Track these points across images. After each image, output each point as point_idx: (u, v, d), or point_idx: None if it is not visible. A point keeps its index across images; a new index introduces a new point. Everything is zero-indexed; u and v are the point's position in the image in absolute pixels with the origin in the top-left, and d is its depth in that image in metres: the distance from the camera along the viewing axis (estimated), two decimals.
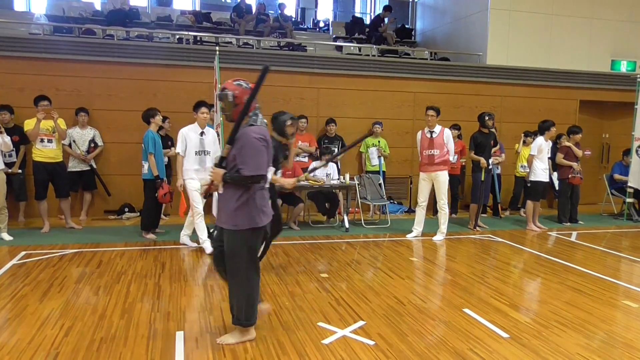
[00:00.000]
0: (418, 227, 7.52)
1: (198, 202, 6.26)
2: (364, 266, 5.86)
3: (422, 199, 7.43)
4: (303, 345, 3.66)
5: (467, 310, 4.44)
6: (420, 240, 7.31)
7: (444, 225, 7.33)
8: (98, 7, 11.40)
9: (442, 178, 7.20)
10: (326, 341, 3.73)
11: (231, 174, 3.42)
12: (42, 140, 7.09)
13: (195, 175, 6.26)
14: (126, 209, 8.40)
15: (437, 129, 7.32)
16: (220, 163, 3.51)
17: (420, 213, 7.48)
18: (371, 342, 3.73)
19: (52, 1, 11.47)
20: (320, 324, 4.06)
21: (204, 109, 6.30)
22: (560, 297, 4.89)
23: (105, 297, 4.56)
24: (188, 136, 6.26)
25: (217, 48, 7.51)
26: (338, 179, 7.85)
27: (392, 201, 9.80)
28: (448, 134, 7.33)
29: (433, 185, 7.32)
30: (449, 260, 6.28)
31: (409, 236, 7.47)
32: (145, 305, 4.39)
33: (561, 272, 5.76)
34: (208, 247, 6.20)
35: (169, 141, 8.11)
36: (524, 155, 9.33)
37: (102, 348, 3.52)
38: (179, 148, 6.31)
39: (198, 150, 6.25)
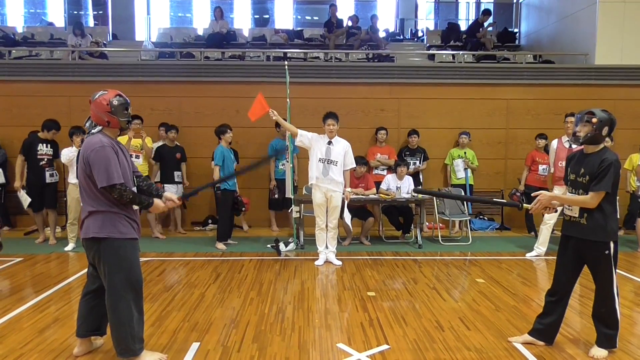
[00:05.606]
0: (542, 247, 6.79)
1: (318, 215, 6.40)
2: (419, 286, 5.43)
3: (552, 215, 6.54)
4: None
5: (514, 341, 3.88)
6: (500, 261, 6.63)
7: None
8: (200, 32, 12.24)
9: None
10: None
11: None
12: (130, 157, 7.70)
13: (317, 184, 6.29)
14: (209, 221, 8.78)
15: None
16: None
17: (547, 232, 6.74)
18: None
19: (162, 30, 12.62)
20: (340, 345, 3.81)
21: (329, 121, 6.30)
22: None
23: (147, 305, 4.72)
24: (316, 140, 6.33)
25: (285, 63, 7.59)
26: (408, 192, 7.43)
27: (481, 217, 9.08)
28: None
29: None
30: (523, 283, 5.58)
31: (529, 255, 6.83)
32: (179, 315, 4.48)
33: None
34: (322, 259, 6.36)
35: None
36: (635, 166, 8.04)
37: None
38: (299, 136, 6.35)
39: (323, 158, 6.27)
